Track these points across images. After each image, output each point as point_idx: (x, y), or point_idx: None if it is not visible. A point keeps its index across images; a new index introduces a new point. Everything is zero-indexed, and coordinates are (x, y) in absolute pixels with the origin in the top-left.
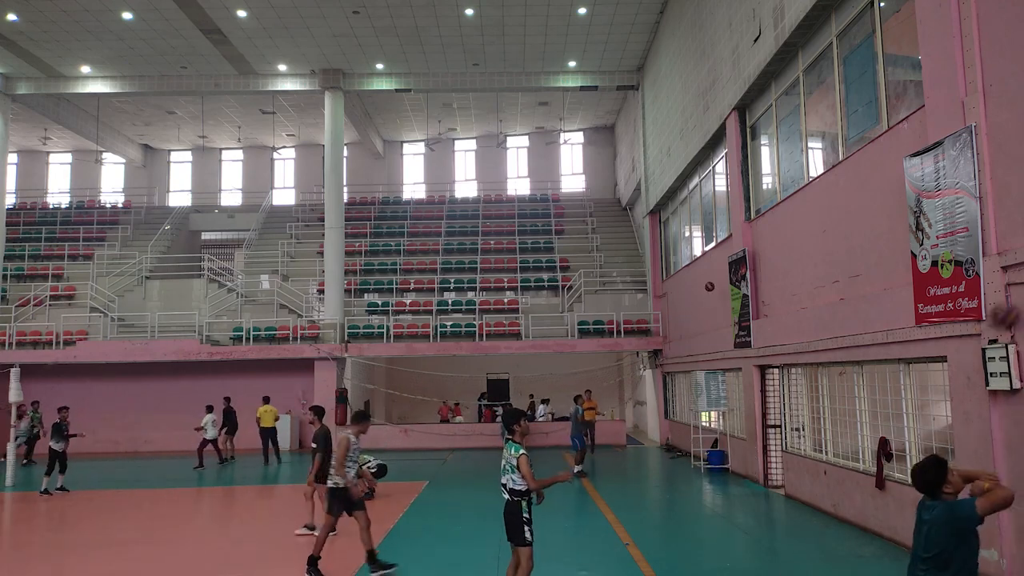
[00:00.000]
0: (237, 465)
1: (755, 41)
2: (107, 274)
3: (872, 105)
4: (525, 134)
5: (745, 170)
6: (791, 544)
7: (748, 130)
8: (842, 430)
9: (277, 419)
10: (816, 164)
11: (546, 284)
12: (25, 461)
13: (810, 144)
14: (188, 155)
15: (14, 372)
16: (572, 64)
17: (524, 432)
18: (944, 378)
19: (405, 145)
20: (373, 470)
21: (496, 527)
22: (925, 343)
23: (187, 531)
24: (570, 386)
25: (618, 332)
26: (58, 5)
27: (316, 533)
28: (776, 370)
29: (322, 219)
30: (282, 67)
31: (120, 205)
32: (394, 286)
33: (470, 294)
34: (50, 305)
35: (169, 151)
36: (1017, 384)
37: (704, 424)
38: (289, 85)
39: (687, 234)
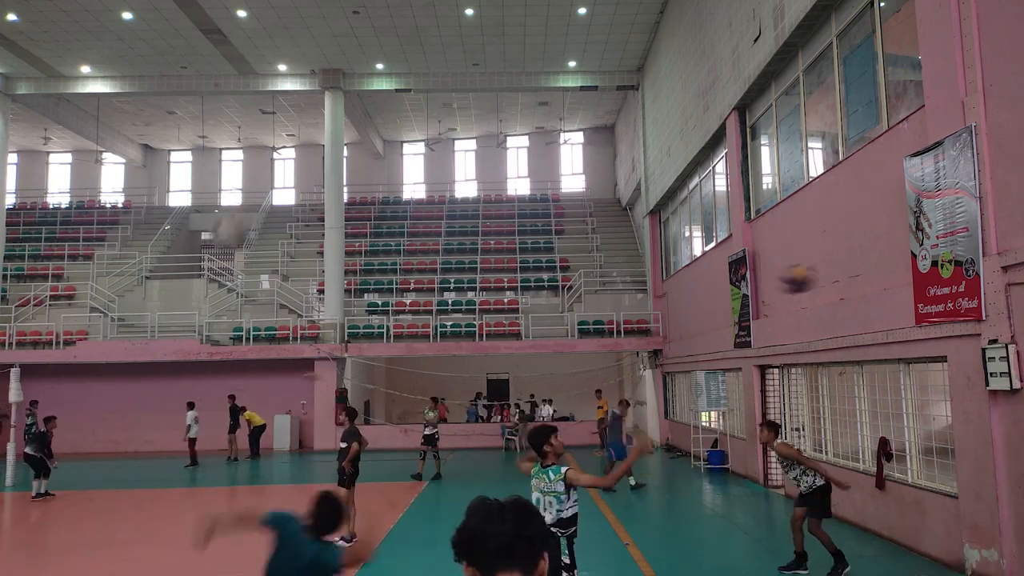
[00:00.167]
0: (238, 465)
1: (755, 41)
2: (107, 274)
3: (872, 105)
4: (525, 134)
5: (745, 170)
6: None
7: (748, 130)
8: (842, 430)
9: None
10: (816, 164)
11: (546, 284)
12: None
13: (810, 144)
14: (188, 155)
15: (14, 372)
16: (572, 64)
17: (558, 451)
18: (944, 378)
19: (405, 145)
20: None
21: None
22: (925, 343)
23: (187, 531)
24: (570, 386)
25: (618, 332)
26: (58, 5)
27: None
28: (776, 370)
29: (322, 219)
30: (282, 67)
31: (120, 205)
32: (394, 286)
33: (470, 294)
34: (50, 305)
35: (169, 151)
36: (1017, 384)
37: (704, 424)
38: (289, 85)
39: (687, 234)
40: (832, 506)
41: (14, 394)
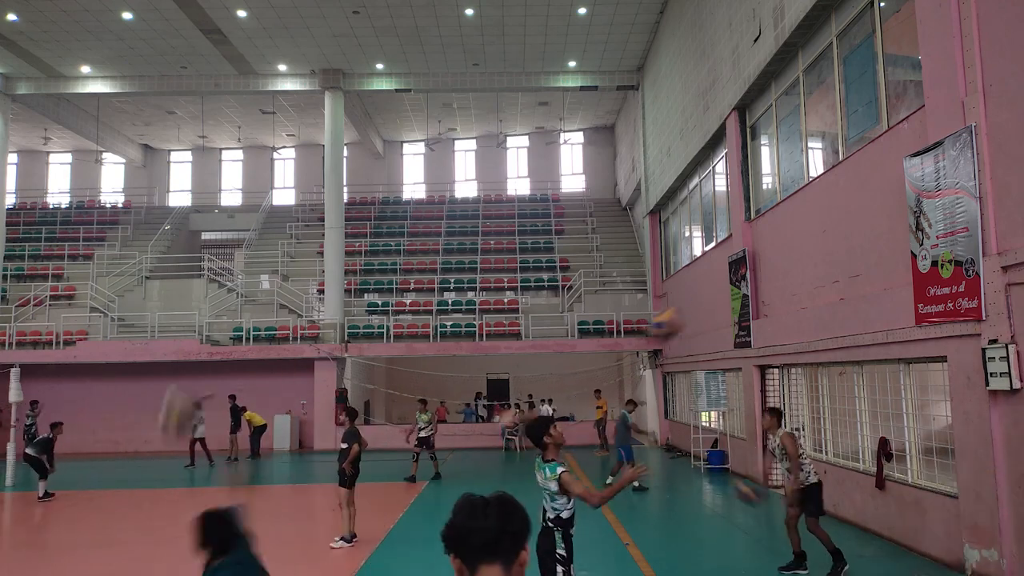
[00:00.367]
0: (237, 464)
1: (755, 41)
2: (107, 274)
3: (872, 105)
4: (525, 134)
5: (745, 170)
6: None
7: (748, 130)
8: (842, 430)
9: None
10: (816, 164)
11: (546, 284)
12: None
13: (810, 144)
14: (188, 155)
15: (14, 372)
16: (572, 64)
17: (558, 442)
18: (944, 378)
19: (405, 145)
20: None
21: None
22: (925, 343)
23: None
24: (570, 386)
25: (618, 332)
26: (58, 5)
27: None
28: (776, 370)
29: (322, 219)
30: (282, 67)
31: (120, 205)
32: (394, 286)
33: (470, 294)
34: (50, 305)
35: (169, 151)
36: (1017, 384)
37: (704, 424)
38: (289, 85)
39: (687, 234)
40: (832, 506)
41: (14, 394)
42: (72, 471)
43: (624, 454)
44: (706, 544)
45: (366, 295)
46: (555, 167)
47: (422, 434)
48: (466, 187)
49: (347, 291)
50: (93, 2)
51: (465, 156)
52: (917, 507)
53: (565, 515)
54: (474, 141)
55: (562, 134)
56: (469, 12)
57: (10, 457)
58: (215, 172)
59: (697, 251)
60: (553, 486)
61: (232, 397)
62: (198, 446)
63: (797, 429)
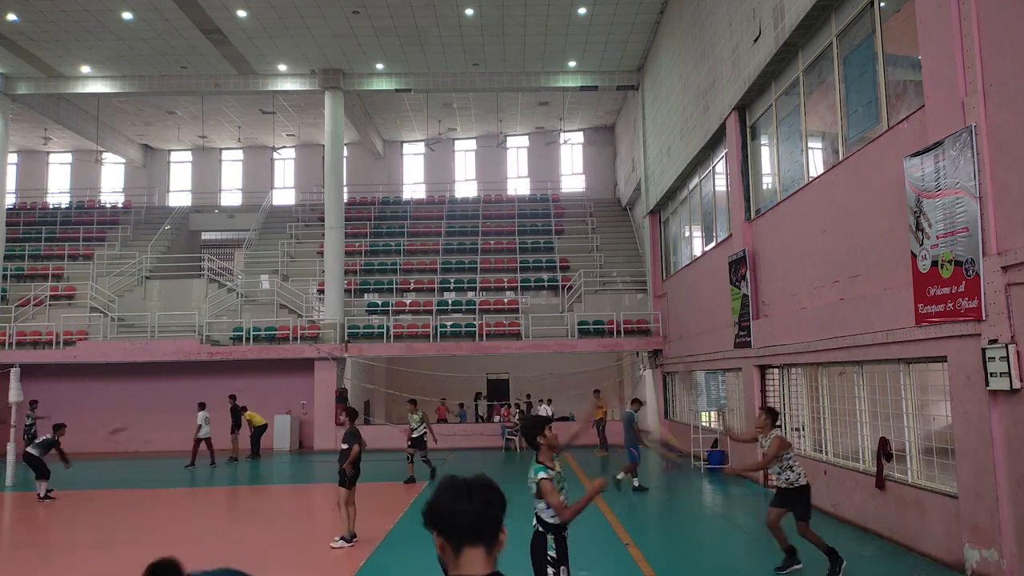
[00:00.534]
0: (237, 464)
1: (755, 41)
2: (107, 274)
3: (872, 105)
4: (525, 134)
5: (745, 170)
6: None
7: (748, 130)
8: (842, 430)
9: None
10: (816, 164)
11: (546, 284)
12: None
13: (810, 144)
14: (188, 155)
15: (14, 372)
16: (572, 64)
17: (552, 444)
18: (944, 378)
19: (405, 145)
20: None
21: None
22: (925, 343)
23: (187, 531)
24: (570, 386)
25: (618, 332)
26: (58, 5)
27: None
28: (776, 370)
29: (322, 219)
30: (282, 67)
31: (120, 205)
32: (394, 286)
33: (470, 294)
34: (50, 305)
35: (169, 151)
36: (1017, 384)
37: (704, 424)
38: (289, 85)
39: (687, 234)
40: (832, 506)
41: (14, 394)
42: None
43: (637, 453)
44: (706, 544)
45: (366, 295)
46: (555, 167)
47: (414, 435)
48: (466, 187)
49: (347, 291)
50: (93, 2)
51: (465, 156)
52: (917, 507)
53: (546, 516)
54: (474, 141)
55: (562, 134)
56: (469, 12)
57: (10, 457)
58: (215, 172)
59: (697, 251)
60: (534, 488)
61: (232, 397)
62: (202, 446)
63: (797, 429)
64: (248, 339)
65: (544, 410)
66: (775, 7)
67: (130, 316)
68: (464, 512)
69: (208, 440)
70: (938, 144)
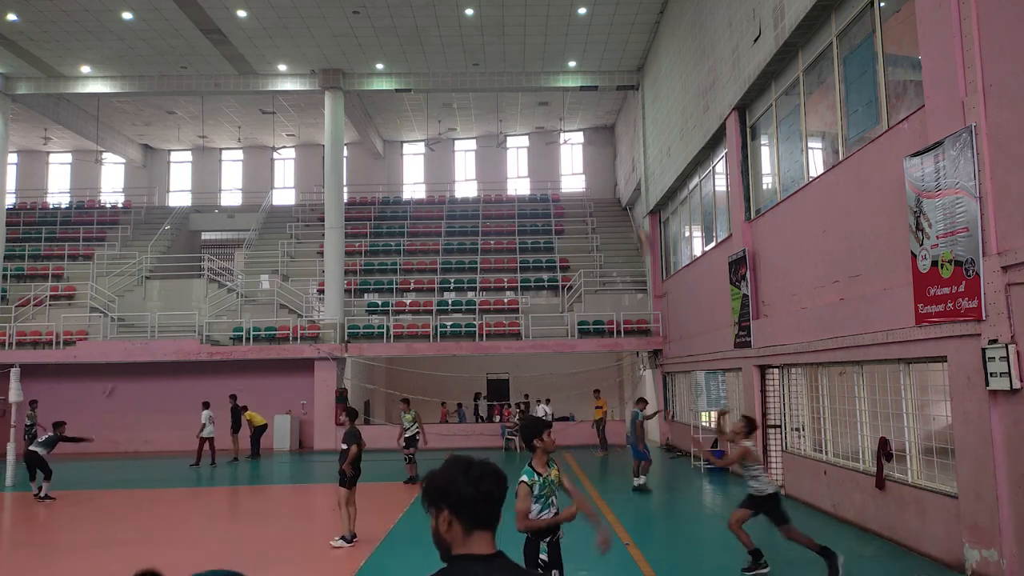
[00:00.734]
0: (237, 464)
1: (755, 41)
2: (107, 274)
3: (872, 105)
4: (525, 134)
5: (745, 170)
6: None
7: (748, 130)
8: (842, 430)
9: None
10: (816, 164)
11: (546, 284)
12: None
13: (810, 144)
14: (188, 155)
15: (14, 372)
16: (572, 64)
17: (547, 449)
18: (944, 378)
19: (405, 145)
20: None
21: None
22: (925, 343)
23: (187, 531)
24: (570, 386)
25: (618, 332)
26: (58, 5)
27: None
28: (776, 370)
29: (322, 219)
30: (282, 67)
31: (120, 205)
32: (394, 286)
33: (470, 294)
34: (50, 305)
35: (169, 151)
36: (1017, 384)
37: (704, 424)
38: (289, 85)
39: (687, 234)
40: (832, 506)
41: (14, 394)
42: (72, 471)
43: (638, 453)
44: (706, 544)
45: (366, 295)
46: (555, 167)
47: (407, 434)
48: (466, 187)
49: (347, 291)
50: (93, 2)
51: (465, 156)
52: (917, 507)
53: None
54: (474, 141)
55: (562, 134)
56: (469, 12)
57: (10, 457)
58: (215, 172)
59: (697, 251)
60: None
61: (233, 397)
62: (205, 446)
63: (797, 429)
64: (248, 339)
65: (542, 410)
66: (775, 7)
67: (130, 316)
68: (486, 495)
69: (211, 440)
70: (938, 144)
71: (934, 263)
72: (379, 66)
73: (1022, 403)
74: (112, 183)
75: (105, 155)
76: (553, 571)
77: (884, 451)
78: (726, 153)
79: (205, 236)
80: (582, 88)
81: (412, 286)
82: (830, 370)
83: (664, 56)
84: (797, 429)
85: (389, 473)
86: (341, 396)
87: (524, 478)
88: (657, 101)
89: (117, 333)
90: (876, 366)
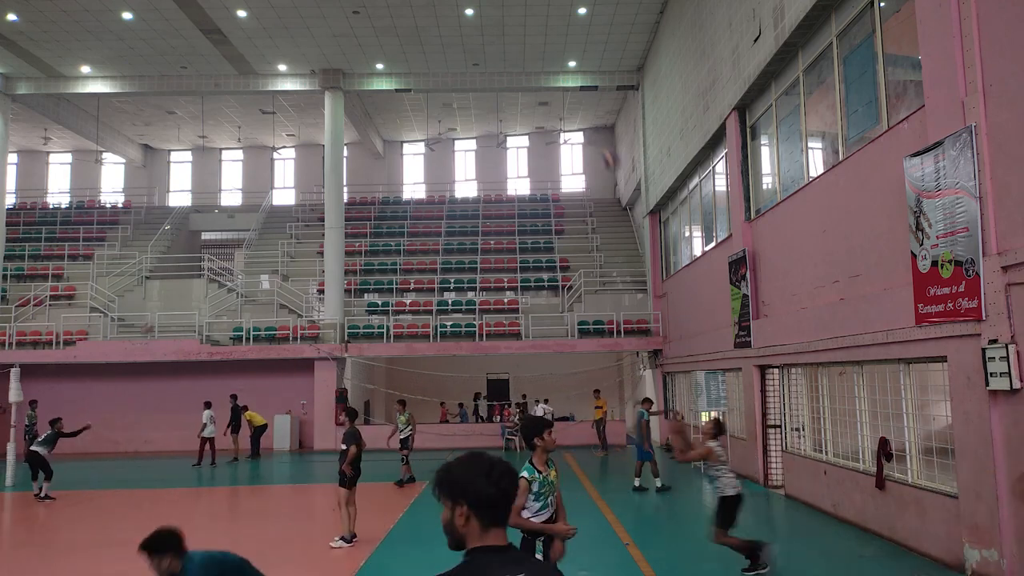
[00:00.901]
0: (237, 464)
1: (755, 41)
2: (107, 274)
3: (872, 105)
4: (525, 134)
5: (745, 170)
6: (791, 544)
7: (748, 130)
8: (842, 430)
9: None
10: (816, 164)
11: (546, 284)
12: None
13: (810, 144)
14: (188, 155)
15: (14, 372)
16: (572, 64)
17: (547, 448)
18: (944, 378)
19: (405, 145)
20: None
21: None
22: (925, 343)
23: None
24: (570, 386)
25: (618, 332)
26: (58, 5)
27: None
28: (776, 370)
29: (322, 219)
30: (282, 67)
31: (120, 205)
32: (394, 286)
33: (470, 294)
34: (50, 305)
35: (169, 151)
36: (1017, 384)
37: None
38: (289, 85)
39: (687, 234)
40: (832, 506)
41: (14, 394)
42: (72, 471)
43: (643, 454)
44: (706, 544)
45: (366, 295)
46: (555, 167)
47: (401, 435)
48: (466, 187)
49: (347, 291)
50: (93, 2)
51: (465, 156)
52: (917, 507)
53: (529, 516)
54: (474, 141)
55: (562, 134)
56: (469, 12)
57: (10, 457)
58: (215, 172)
59: (697, 251)
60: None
61: (234, 397)
62: (207, 446)
63: (797, 429)
64: (248, 339)
65: (541, 409)
66: (775, 7)
67: (130, 316)
68: (505, 493)
69: (212, 440)
70: (938, 144)
71: (934, 263)
72: (379, 66)
73: (1022, 403)
74: (112, 183)
75: (105, 155)
76: None
77: (884, 451)
78: (726, 153)
79: (205, 236)
80: (582, 88)
81: (412, 286)
82: (830, 370)
83: (664, 56)
84: (797, 429)
85: (389, 473)
86: (341, 396)
87: (524, 474)
88: (657, 101)
89: (117, 333)
90: (876, 366)
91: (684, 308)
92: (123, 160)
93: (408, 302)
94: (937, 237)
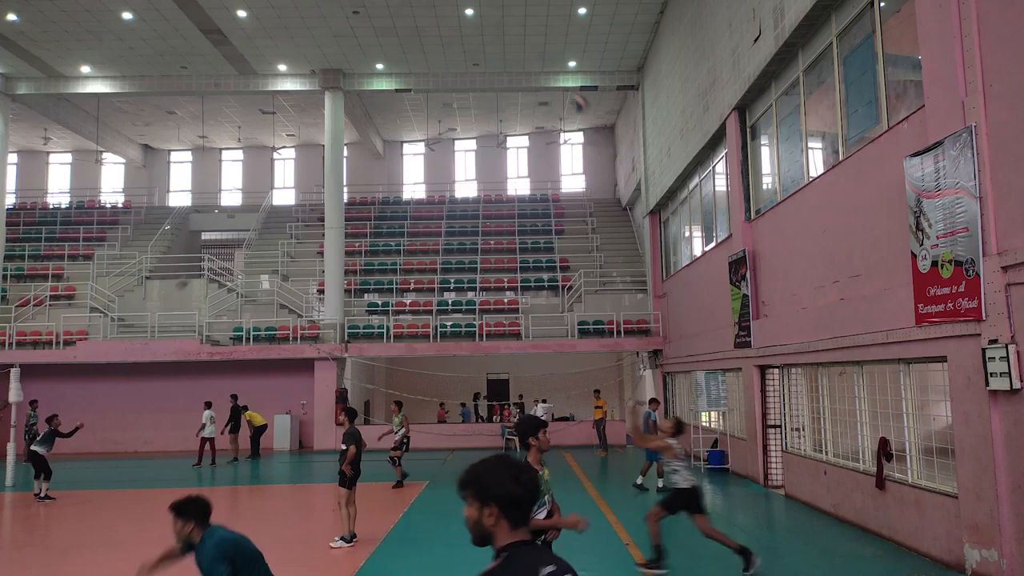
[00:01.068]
0: (237, 465)
1: (755, 41)
2: (107, 274)
3: (872, 105)
4: (525, 134)
5: (745, 170)
6: (791, 544)
7: (748, 130)
8: (842, 430)
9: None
10: (816, 164)
11: (546, 284)
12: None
13: (810, 144)
14: (188, 155)
15: (14, 372)
16: (572, 64)
17: (541, 448)
18: (944, 378)
19: (405, 145)
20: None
21: None
22: (925, 343)
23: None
24: (570, 386)
25: (618, 332)
26: (58, 5)
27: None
28: (776, 370)
29: (322, 219)
30: (282, 67)
31: (120, 205)
32: (394, 286)
33: (470, 294)
34: (50, 305)
35: (169, 151)
36: (1017, 384)
37: (704, 424)
38: (289, 85)
39: (687, 234)
40: (832, 506)
41: (14, 394)
42: (72, 471)
43: (651, 454)
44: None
45: (366, 295)
46: (555, 167)
47: (396, 436)
48: (466, 187)
49: (347, 291)
50: (93, 2)
51: (465, 156)
52: (917, 507)
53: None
54: (474, 141)
55: (562, 134)
56: (469, 12)
57: (10, 457)
58: (215, 172)
59: (697, 251)
60: None
61: (234, 397)
62: (207, 446)
63: (797, 429)
64: (248, 339)
65: (541, 409)
66: (775, 7)
67: (130, 316)
68: (532, 495)
69: (211, 440)
70: (938, 144)
71: (934, 263)
72: (379, 66)
73: (1022, 403)
74: (112, 183)
75: (105, 155)
76: None
77: (884, 451)
78: (726, 153)
79: (205, 236)
80: (582, 88)
81: (412, 286)
82: (830, 370)
83: (664, 56)
84: (797, 429)
85: (390, 474)
86: (341, 396)
87: None
88: (657, 101)
89: (117, 333)
90: (876, 366)
91: (684, 308)
92: (123, 160)
93: (408, 302)
94: (937, 237)
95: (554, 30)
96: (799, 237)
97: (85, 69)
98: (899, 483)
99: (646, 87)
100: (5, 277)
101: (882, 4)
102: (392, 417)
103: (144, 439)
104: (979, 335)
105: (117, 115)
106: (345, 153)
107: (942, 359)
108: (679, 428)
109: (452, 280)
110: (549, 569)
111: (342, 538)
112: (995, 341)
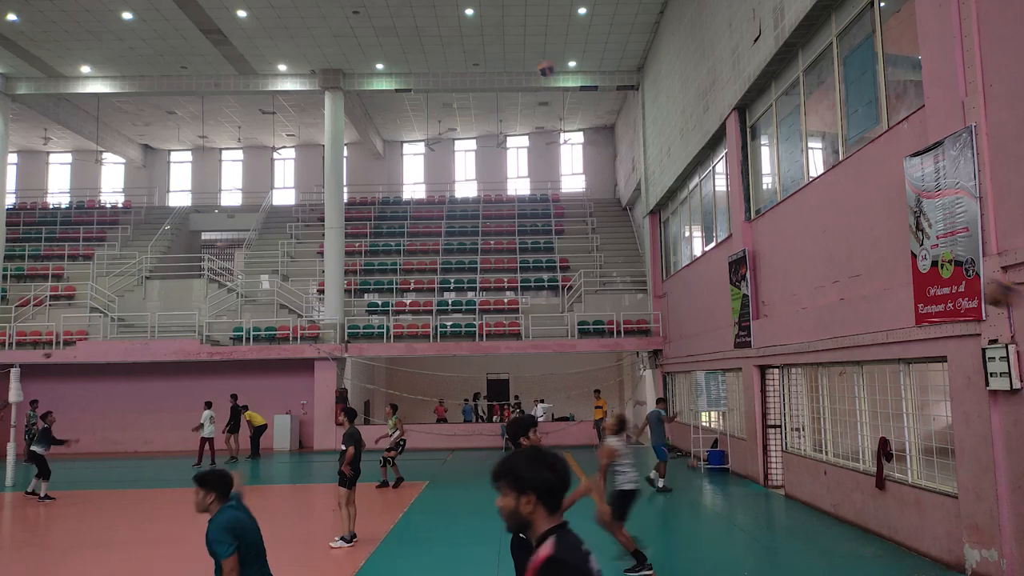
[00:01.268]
0: (236, 465)
1: (755, 41)
2: (107, 274)
3: (872, 105)
4: (525, 134)
5: (745, 170)
6: (791, 544)
7: (748, 130)
8: (842, 430)
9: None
10: (816, 164)
11: (546, 284)
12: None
13: (810, 144)
14: (188, 155)
15: (14, 372)
16: (572, 64)
17: (534, 446)
18: (944, 378)
19: (405, 145)
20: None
21: (495, 526)
22: (925, 343)
23: (188, 531)
24: (570, 386)
25: (618, 332)
26: (58, 5)
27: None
28: (776, 370)
29: (322, 219)
30: (282, 67)
31: (120, 205)
32: (394, 286)
33: (470, 294)
34: (50, 305)
35: (169, 151)
36: (1017, 384)
37: (704, 424)
38: (289, 85)
39: (687, 234)
40: (832, 506)
41: (14, 394)
42: (72, 471)
43: (663, 453)
44: (706, 544)
45: (366, 295)
46: (555, 167)
47: (391, 439)
48: (466, 187)
49: (347, 291)
50: (93, 2)
51: (465, 156)
52: (917, 507)
53: None
54: (474, 141)
55: (562, 134)
56: (469, 12)
57: (10, 457)
58: (215, 172)
59: (697, 251)
60: None
61: (234, 397)
62: (206, 446)
63: (797, 429)
64: (248, 339)
65: (541, 409)
66: (775, 7)
67: (130, 316)
68: (567, 483)
69: (211, 440)
70: (938, 144)
71: (934, 263)
72: (379, 66)
73: (1022, 403)
74: (112, 183)
75: (105, 155)
76: None
77: (884, 451)
78: (726, 153)
79: (205, 236)
80: (582, 88)
81: (412, 286)
82: (830, 370)
83: (664, 56)
84: (797, 429)
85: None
86: (341, 396)
87: None
88: (657, 101)
89: (117, 333)
90: (876, 366)
91: (684, 308)
92: (123, 160)
93: (408, 302)
94: (937, 237)
95: (554, 30)
96: (799, 237)
97: (85, 69)
98: (899, 483)
99: (646, 87)
100: (5, 277)
101: (882, 4)
102: (387, 420)
103: (144, 439)
104: (979, 335)
105: (117, 115)
106: (345, 153)
107: (942, 359)
108: (621, 426)
109: (452, 280)
110: (587, 547)
111: (342, 538)
112: (995, 341)
